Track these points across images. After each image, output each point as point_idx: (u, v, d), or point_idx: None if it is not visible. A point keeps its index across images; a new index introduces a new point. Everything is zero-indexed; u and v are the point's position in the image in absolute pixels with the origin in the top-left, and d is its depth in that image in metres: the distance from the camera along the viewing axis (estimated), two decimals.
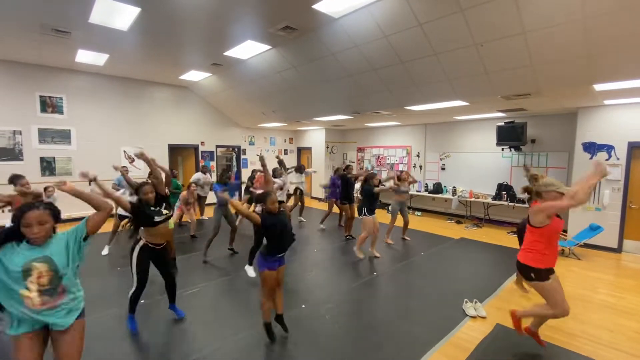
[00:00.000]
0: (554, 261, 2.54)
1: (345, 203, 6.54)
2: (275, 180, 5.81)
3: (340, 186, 6.68)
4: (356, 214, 5.69)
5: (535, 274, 2.51)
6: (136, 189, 3.00)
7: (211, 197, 8.14)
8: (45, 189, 5.82)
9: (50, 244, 1.74)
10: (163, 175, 3.29)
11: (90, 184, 4.01)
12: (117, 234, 5.51)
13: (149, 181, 3.18)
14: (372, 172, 5.37)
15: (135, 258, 2.93)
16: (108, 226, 5.26)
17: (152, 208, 2.94)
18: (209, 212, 8.03)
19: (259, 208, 2.99)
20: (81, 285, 1.92)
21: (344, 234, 6.61)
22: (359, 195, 5.43)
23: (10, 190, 3.95)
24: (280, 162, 6.16)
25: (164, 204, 3.03)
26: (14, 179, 3.92)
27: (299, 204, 7.94)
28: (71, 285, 1.81)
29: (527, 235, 2.63)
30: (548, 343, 2.88)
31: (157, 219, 2.91)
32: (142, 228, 2.97)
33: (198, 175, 7.32)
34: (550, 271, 2.53)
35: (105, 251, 5.25)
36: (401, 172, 6.34)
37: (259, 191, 4.53)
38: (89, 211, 1.94)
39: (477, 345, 2.89)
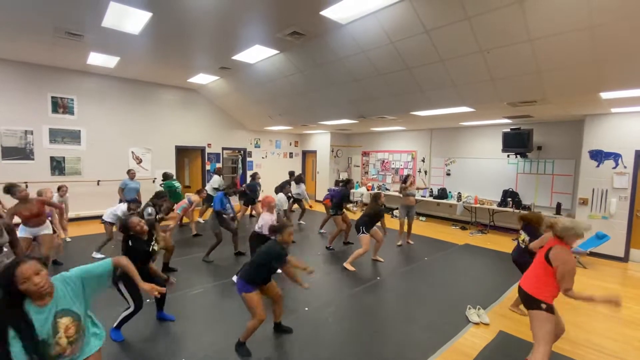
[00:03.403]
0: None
1: (340, 214, 6.11)
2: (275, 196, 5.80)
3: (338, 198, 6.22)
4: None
5: (547, 306, 2.41)
6: (124, 225, 2.89)
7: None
8: (59, 188, 5.81)
9: (57, 292, 1.62)
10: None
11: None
12: (110, 241, 5.18)
13: (132, 211, 3.13)
14: (378, 192, 5.35)
15: (124, 282, 2.76)
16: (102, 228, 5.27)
17: (145, 242, 2.89)
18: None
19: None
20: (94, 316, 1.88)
21: (343, 240, 6.34)
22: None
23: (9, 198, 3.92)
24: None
25: (154, 237, 2.98)
26: (10, 189, 3.85)
27: (299, 208, 7.93)
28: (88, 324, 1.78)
29: (544, 276, 2.45)
30: (552, 352, 2.86)
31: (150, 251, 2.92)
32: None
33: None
34: None
35: (96, 254, 5.05)
36: (407, 176, 6.45)
37: (266, 213, 4.42)
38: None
39: (479, 352, 2.89)
